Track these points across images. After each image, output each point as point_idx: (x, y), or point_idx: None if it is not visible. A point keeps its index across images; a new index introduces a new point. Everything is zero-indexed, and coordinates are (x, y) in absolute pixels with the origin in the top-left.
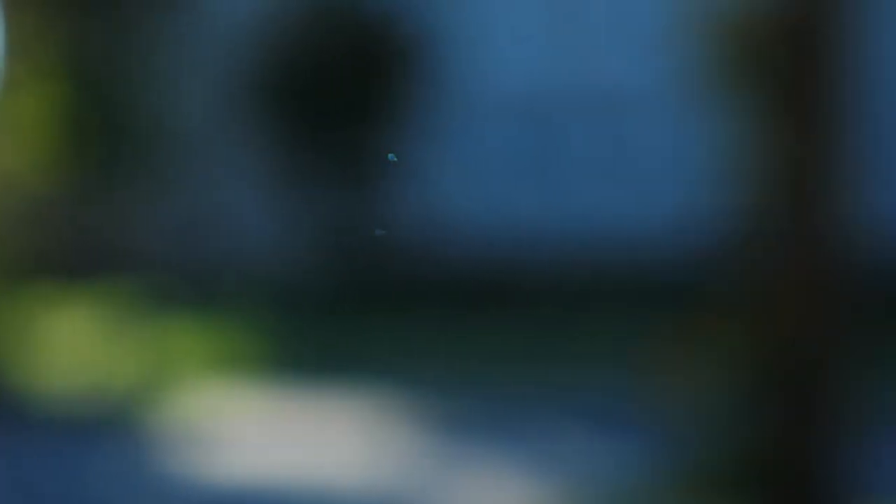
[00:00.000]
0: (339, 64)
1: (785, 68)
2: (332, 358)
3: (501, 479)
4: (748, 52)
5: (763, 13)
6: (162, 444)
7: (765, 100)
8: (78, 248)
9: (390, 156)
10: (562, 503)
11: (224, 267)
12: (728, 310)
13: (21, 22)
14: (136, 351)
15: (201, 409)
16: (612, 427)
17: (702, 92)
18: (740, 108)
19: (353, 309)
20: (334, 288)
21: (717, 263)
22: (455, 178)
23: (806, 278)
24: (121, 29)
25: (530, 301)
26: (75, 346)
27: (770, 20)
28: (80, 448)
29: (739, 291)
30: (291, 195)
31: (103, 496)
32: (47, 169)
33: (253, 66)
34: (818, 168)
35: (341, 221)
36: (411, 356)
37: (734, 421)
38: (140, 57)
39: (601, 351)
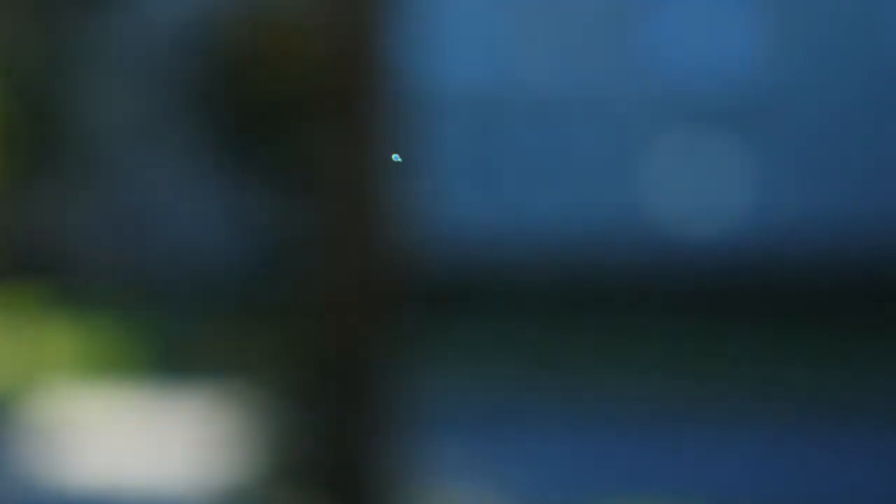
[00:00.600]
0: (280, 62)
1: (341, 82)
2: (220, 362)
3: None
4: (301, 66)
5: (315, 29)
6: (21, 444)
7: (322, 113)
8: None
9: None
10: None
11: (151, 268)
12: (283, 311)
13: None
14: (10, 352)
15: (63, 411)
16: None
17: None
18: (296, 119)
19: (268, 312)
20: (260, 289)
21: (275, 267)
22: (405, 181)
23: (359, 281)
24: (54, 30)
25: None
26: None
27: (322, 36)
28: None
29: (295, 293)
30: (228, 196)
31: None
32: None
33: (189, 65)
34: (371, 177)
35: (276, 223)
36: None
37: (290, 419)
38: (73, 57)
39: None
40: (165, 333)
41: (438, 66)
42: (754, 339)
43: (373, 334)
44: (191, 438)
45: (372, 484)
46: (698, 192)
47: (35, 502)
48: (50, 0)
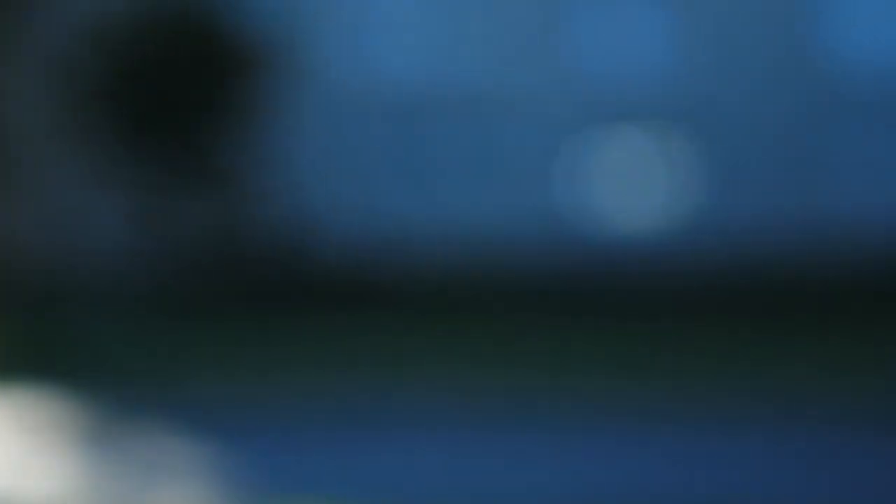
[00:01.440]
0: (196, 64)
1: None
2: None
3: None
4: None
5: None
6: None
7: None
8: None
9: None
10: None
11: (60, 270)
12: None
13: None
14: None
15: None
16: None
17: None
18: None
19: (176, 314)
20: (170, 290)
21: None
22: (321, 177)
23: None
24: None
25: (381, 301)
26: None
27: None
28: None
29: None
30: (142, 197)
31: None
32: None
33: (103, 67)
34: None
35: (192, 224)
36: (199, 365)
37: None
38: None
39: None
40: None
41: (366, 64)
42: (672, 339)
43: None
44: None
45: None
46: (622, 192)
47: None
48: None
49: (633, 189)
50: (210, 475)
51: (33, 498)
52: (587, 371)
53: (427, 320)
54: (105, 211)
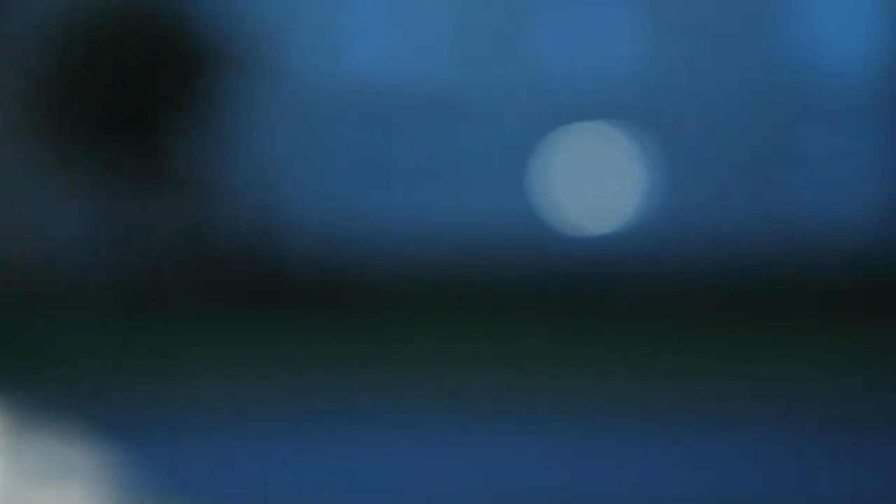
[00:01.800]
0: (161, 63)
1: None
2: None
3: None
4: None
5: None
6: None
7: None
8: None
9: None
10: None
11: (23, 271)
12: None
13: None
14: None
15: None
16: None
17: None
18: None
19: (137, 316)
20: (136, 291)
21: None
22: (289, 176)
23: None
24: None
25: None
26: None
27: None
28: None
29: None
30: (107, 198)
31: None
32: None
33: (66, 68)
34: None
35: (158, 224)
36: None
37: None
38: None
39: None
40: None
41: (335, 64)
42: (641, 337)
43: None
44: None
45: None
46: (590, 191)
47: None
48: None
49: (600, 188)
50: (107, 476)
51: None
52: (555, 369)
53: (396, 319)
54: (69, 212)
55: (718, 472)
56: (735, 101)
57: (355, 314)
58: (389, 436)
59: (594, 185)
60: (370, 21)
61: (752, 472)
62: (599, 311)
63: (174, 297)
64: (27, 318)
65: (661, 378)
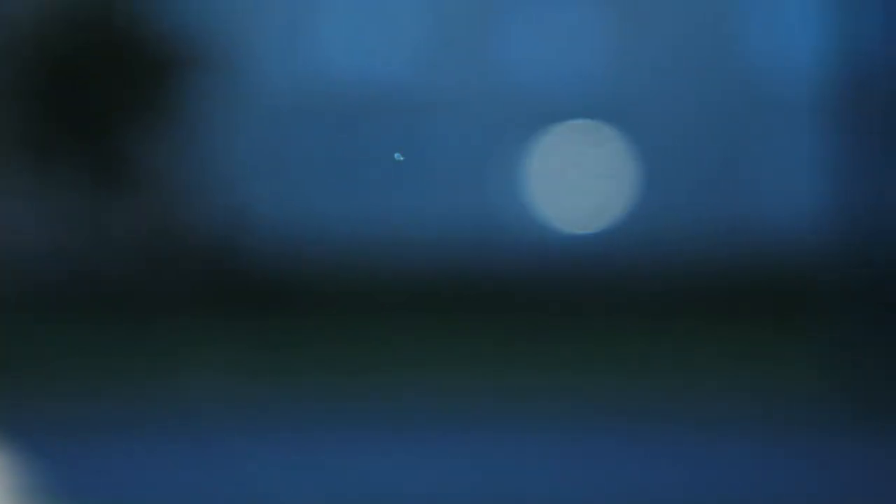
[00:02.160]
0: (124, 63)
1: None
2: None
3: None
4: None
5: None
6: None
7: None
8: None
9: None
10: None
11: None
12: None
13: None
14: None
15: None
16: None
17: None
18: None
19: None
20: (97, 293)
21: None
22: (252, 177)
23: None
24: None
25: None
26: None
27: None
28: None
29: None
30: (68, 199)
31: None
32: None
33: (28, 68)
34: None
35: (120, 225)
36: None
37: None
38: None
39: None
40: None
41: (298, 65)
42: (592, 338)
43: None
44: None
45: None
46: (554, 193)
47: None
48: None
49: (561, 189)
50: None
51: None
52: (508, 369)
53: (361, 320)
54: (34, 214)
55: (698, 471)
56: (693, 103)
57: (319, 314)
58: (355, 435)
59: (560, 185)
60: (336, 23)
61: (731, 472)
62: (561, 311)
63: (140, 298)
64: None
65: (620, 377)
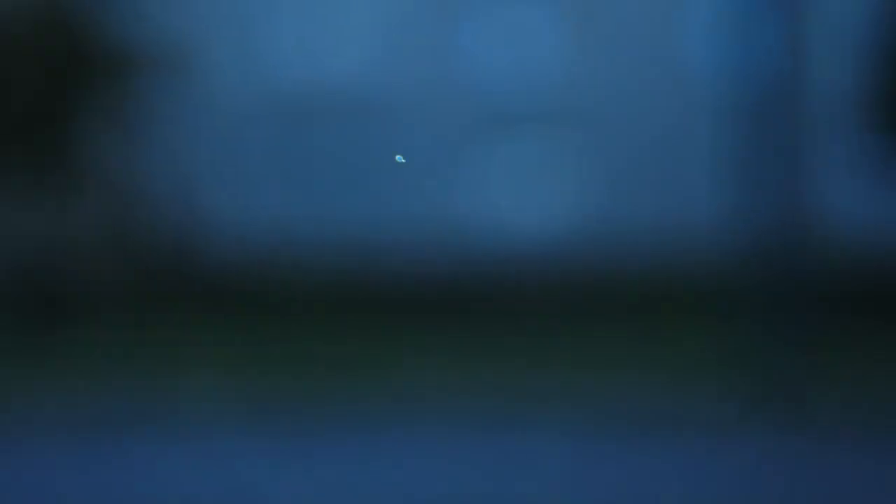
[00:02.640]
0: (75, 66)
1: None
2: None
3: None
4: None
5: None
6: None
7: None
8: None
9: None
10: None
11: None
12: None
13: None
14: None
15: None
16: None
17: None
18: None
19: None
20: (46, 297)
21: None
22: (207, 180)
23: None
24: None
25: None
26: None
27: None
28: None
29: None
30: (17, 203)
31: None
32: None
33: None
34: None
35: (71, 229)
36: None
37: None
38: None
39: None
40: None
41: (254, 68)
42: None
43: None
44: None
45: None
46: (510, 195)
47: None
48: None
49: (518, 191)
50: None
51: None
52: (450, 369)
53: (316, 321)
54: None
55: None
56: (646, 104)
57: (274, 315)
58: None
59: (513, 186)
60: (290, 25)
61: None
62: (517, 313)
63: (92, 300)
64: None
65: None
